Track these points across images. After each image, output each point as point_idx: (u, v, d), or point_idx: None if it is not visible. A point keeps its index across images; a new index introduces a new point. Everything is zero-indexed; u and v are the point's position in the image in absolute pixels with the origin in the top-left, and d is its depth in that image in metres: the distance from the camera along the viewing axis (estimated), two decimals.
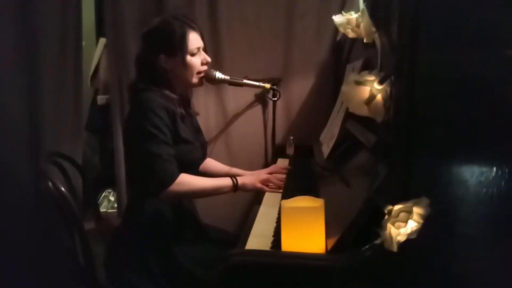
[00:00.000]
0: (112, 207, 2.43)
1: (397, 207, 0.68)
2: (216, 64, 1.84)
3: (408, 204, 0.67)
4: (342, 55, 1.71)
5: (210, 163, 1.56)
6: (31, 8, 1.85)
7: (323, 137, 1.58)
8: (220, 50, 1.90)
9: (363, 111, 0.77)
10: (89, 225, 1.43)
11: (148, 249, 1.19)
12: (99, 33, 2.54)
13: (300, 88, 1.95)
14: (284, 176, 1.40)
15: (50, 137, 1.79)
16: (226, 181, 1.24)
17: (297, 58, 1.93)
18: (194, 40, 1.26)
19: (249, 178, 1.29)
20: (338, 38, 1.90)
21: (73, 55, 1.92)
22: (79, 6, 1.94)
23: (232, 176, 1.27)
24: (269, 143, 1.98)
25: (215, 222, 1.53)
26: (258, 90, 1.95)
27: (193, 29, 1.26)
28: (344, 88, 0.78)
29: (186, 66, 1.25)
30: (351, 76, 0.78)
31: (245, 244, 0.95)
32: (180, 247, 1.20)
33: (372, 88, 0.76)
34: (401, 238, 0.66)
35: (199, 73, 1.29)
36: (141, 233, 1.21)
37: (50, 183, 1.08)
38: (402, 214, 0.65)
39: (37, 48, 1.87)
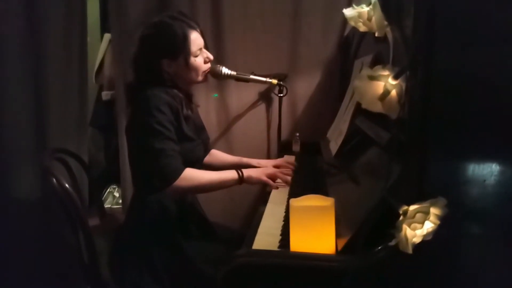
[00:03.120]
0: (117, 203, 2.43)
1: (413, 207, 0.65)
2: (220, 60, 1.82)
3: (425, 205, 0.64)
4: (349, 50, 1.68)
5: (216, 154, 1.54)
6: (36, 4, 1.84)
7: (330, 133, 1.56)
8: (224, 47, 1.88)
9: (377, 107, 0.74)
10: (93, 222, 1.42)
11: (152, 245, 1.18)
12: (104, 28, 2.53)
13: (306, 84, 1.93)
14: (290, 172, 1.38)
15: (55, 133, 1.79)
16: (232, 174, 1.22)
17: (303, 54, 1.90)
18: (196, 40, 1.24)
19: (255, 171, 1.27)
20: (346, 33, 1.87)
21: (78, 51, 1.90)
22: (84, 2, 1.92)
23: (238, 168, 1.25)
24: (272, 142, 1.95)
25: (220, 219, 1.52)
26: (261, 88, 1.93)
27: (194, 28, 1.24)
28: (357, 83, 0.75)
29: (189, 68, 1.24)
30: (364, 71, 0.76)
31: (251, 243, 0.93)
32: (185, 243, 1.19)
33: (386, 84, 0.73)
34: (417, 239, 0.63)
35: (203, 71, 1.28)
36: (145, 230, 1.20)
37: (54, 180, 1.07)
38: (419, 215, 0.63)
39: (42, 44, 1.87)
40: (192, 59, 1.23)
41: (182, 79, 1.26)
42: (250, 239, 0.95)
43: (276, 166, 1.46)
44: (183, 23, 1.22)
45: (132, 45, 1.83)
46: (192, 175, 1.16)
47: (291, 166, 1.46)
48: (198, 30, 1.26)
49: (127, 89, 1.31)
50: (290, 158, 1.69)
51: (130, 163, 1.30)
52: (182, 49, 1.21)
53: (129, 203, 1.35)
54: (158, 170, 1.12)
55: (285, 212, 1.13)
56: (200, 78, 1.28)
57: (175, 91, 1.22)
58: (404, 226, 0.64)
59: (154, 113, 1.13)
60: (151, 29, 1.24)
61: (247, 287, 0.78)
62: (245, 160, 1.53)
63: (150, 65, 1.22)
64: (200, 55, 1.26)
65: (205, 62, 1.28)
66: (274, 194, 1.30)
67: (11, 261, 1.57)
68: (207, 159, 1.48)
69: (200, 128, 1.38)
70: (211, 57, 1.30)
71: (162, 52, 1.21)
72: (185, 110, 1.23)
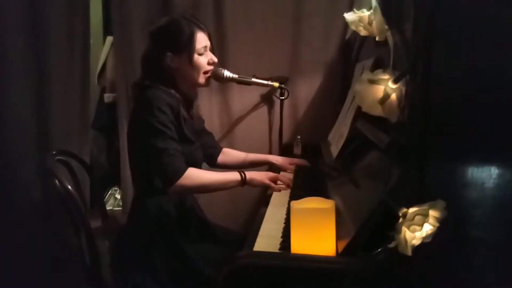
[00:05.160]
0: (118, 205, 2.44)
1: (412, 210, 0.66)
2: (222, 63, 1.83)
3: (424, 207, 0.65)
4: (350, 54, 1.69)
5: (228, 152, 1.56)
6: (39, 6, 1.85)
7: (331, 136, 1.56)
8: (226, 50, 1.89)
9: (377, 111, 0.75)
10: (95, 223, 1.42)
11: (153, 247, 1.18)
12: (106, 31, 2.54)
13: (307, 87, 1.93)
14: (291, 175, 1.39)
15: (58, 135, 1.79)
16: (234, 176, 1.23)
17: (305, 57, 1.91)
18: (202, 39, 1.26)
19: (257, 173, 1.28)
20: (347, 36, 1.88)
21: (80, 54, 1.91)
22: (87, 4, 1.94)
23: (241, 171, 1.26)
24: (273, 144, 1.96)
25: (221, 221, 1.53)
26: (263, 91, 1.93)
27: (202, 29, 1.27)
28: (357, 86, 0.76)
29: (192, 65, 1.25)
30: (364, 75, 0.77)
31: (252, 245, 0.94)
32: (186, 245, 1.19)
33: (386, 87, 0.74)
34: (416, 241, 0.64)
35: (205, 72, 1.29)
36: (146, 232, 1.21)
37: (57, 182, 1.07)
38: (418, 217, 0.64)
39: (45, 47, 1.88)
40: (196, 56, 1.25)
41: (183, 78, 1.27)
42: (251, 241, 0.95)
43: (291, 163, 1.50)
44: (192, 23, 1.25)
45: (134, 47, 1.85)
46: (195, 174, 1.17)
47: (305, 163, 1.49)
48: (206, 33, 1.28)
49: (133, 87, 1.32)
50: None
51: (131, 164, 1.31)
52: (187, 44, 1.23)
53: (130, 205, 1.36)
54: (161, 170, 1.14)
55: (286, 214, 1.14)
56: (201, 79, 1.28)
57: (173, 91, 1.23)
58: (404, 228, 0.65)
59: (156, 113, 1.15)
60: (160, 24, 1.27)
61: None
62: (262, 156, 1.56)
63: (155, 58, 1.24)
64: (204, 55, 1.27)
65: (209, 64, 1.29)
66: (275, 196, 1.31)
67: (13, 263, 1.58)
68: (221, 158, 1.51)
69: (199, 132, 1.39)
70: (215, 59, 1.31)
71: (167, 45, 1.23)
72: (184, 112, 1.24)
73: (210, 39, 1.30)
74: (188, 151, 1.23)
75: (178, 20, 1.26)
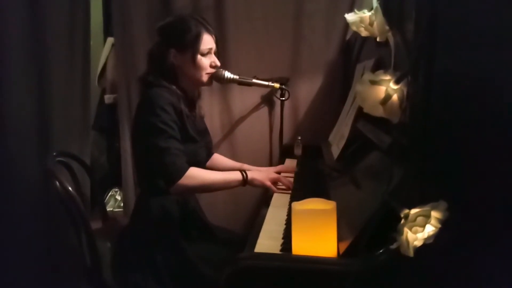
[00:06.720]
0: (119, 206, 2.43)
1: (414, 211, 0.66)
2: (223, 64, 1.83)
3: (426, 208, 0.65)
4: (351, 54, 1.69)
5: (218, 159, 1.56)
6: (40, 8, 1.85)
7: (332, 137, 1.56)
8: (227, 51, 1.89)
9: (379, 112, 0.75)
10: (95, 225, 1.42)
11: (155, 248, 1.18)
12: (107, 32, 2.55)
13: (308, 88, 1.94)
14: (292, 177, 1.39)
15: (58, 136, 1.80)
16: (236, 175, 1.23)
17: (305, 57, 1.91)
18: (207, 41, 1.27)
19: (259, 174, 1.28)
20: (348, 37, 1.88)
21: (81, 55, 1.92)
22: (88, 6, 1.94)
23: (242, 170, 1.26)
24: (274, 145, 1.96)
25: (222, 222, 1.53)
26: (264, 91, 1.93)
27: (209, 31, 1.28)
28: (358, 87, 0.76)
29: (195, 64, 1.26)
30: (366, 76, 0.76)
31: (253, 246, 0.93)
32: (187, 246, 1.19)
33: (388, 88, 0.74)
34: (418, 243, 0.64)
35: (207, 73, 1.29)
36: (148, 232, 1.21)
37: (57, 183, 1.07)
38: (420, 218, 0.63)
39: (45, 48, 1.88)
40: (199, 57, 1.26)
41: (186, 76, 1.27)
42: (252, 242, 0.95)
43: (277, 173, 1.47)
44: (200, 24, 1.26)
45: (135, 48, 1.85)
46: (197, 173, 1.18)
47: (292, 173, 1.47)
48: (213, 36, 1.29)
49: (138, 82, 1.33)
50: (292, 163, 1.70)
51: (135, 164, 1.32)
52: (192, 43, 1.24)
53: (134, 205, 1.36)
54: (163, 169, 1.14)
55: (287, 215, 1.13)
56: (203, 78, 1.29)
57: (174, 87, 1.24)
58: (406, 230, 0.65)
59: (158, 112, 1.15)
60: (168, 20, 1.29)
61: None
62: (246, 167, 1.54)
63: (159, 54, 1.25)
64: (207, 57, 1.28)
65: (211, 66, 1.30)
66: (276, 197, 1.31)
67: (14, 264, 1.58)
68: (209, 163, 1.49)
69: (202, 131, 1.40)
70: (218, 63, 1.32)
71: (172, 42, 1.25)
72: (184, 110, 1.24)
73: (216, 43, 1.31)
74: (191, 150, 1.23)
75: (186, 18, 1.27)
